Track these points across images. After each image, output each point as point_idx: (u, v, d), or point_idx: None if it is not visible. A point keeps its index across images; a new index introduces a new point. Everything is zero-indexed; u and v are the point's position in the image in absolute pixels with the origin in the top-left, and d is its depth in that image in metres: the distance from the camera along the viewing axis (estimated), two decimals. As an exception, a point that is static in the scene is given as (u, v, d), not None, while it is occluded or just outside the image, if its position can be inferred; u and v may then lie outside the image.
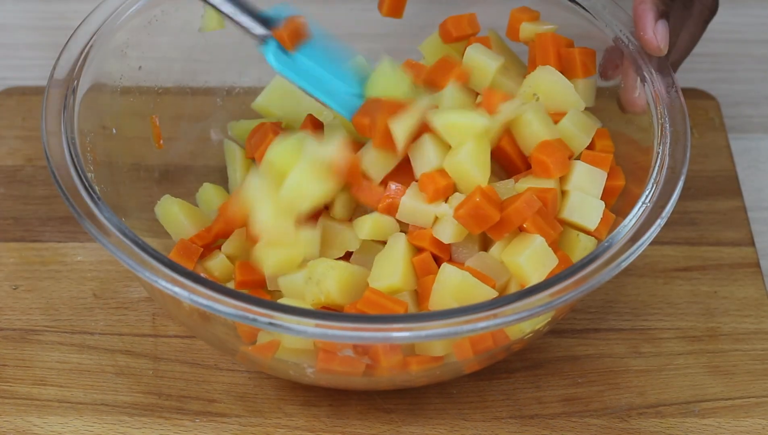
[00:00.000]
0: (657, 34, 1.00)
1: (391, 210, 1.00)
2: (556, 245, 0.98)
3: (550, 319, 0.97)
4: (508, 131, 1.01)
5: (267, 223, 0.97)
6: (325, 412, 1.02)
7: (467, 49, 1.06)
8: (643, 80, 1.02)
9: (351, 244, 1.02)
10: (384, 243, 1.00)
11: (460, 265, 0.97)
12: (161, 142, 1.09)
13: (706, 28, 1.04)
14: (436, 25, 1.11)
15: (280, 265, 0.99)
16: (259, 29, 1.00)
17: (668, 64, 1.03)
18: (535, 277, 0.95)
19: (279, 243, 0.98)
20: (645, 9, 1.00)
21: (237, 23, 1.00)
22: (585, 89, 1.04)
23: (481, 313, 0.89)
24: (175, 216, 1.05)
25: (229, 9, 1.00)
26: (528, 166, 1.01)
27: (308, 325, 0.88)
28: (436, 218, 0.99)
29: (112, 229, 0.93)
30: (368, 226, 1.00)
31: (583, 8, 1.08)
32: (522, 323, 0.93)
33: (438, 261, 0.99)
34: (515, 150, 1.01)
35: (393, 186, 1.00)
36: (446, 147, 0.99)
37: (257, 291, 1.01)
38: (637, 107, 1.02)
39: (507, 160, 1.02)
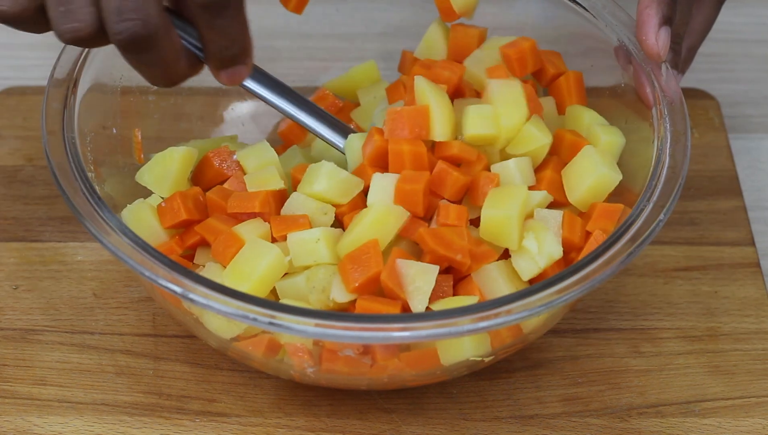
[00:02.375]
0: (659, 41, 1.00)
1: None
2: None
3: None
4: None
5: None
6: (325, 412, 1.02)
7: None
8: (648, 80, 1.03)
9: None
10: None
11: None
12: (142, 155, 1.07)
13: (720, 9, 1.05)
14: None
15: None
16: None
17: (668, 65, 1.03)
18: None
19: None
20: (650, 14, 1.00)
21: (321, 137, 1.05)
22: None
23: (481, 313, 0.89)
24: (148, 220, 1.02)
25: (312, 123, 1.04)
26: None
27: (308, 325, 0.88)
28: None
29: (112, 229, 0.93)
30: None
31: (583, 8, 1.08)
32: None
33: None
34: None
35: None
36: None
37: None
38: (651, 103, 1.03)
39: None
